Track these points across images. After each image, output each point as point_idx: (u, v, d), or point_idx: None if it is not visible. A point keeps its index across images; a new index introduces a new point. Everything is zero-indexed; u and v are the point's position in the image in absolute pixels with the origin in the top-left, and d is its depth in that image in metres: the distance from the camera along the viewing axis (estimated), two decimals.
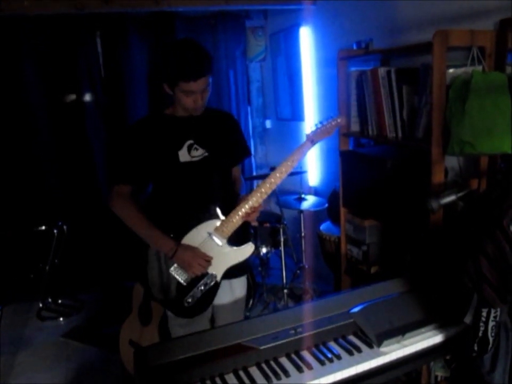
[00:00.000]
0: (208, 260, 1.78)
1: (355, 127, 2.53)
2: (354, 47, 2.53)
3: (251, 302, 3.18)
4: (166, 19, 3.90)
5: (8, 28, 3.58)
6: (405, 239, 2.23)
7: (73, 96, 4.01)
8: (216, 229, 1.79)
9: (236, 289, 1.98)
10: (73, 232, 3.77)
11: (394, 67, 2.22)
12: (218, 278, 1.82)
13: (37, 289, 3.69)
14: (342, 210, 2.67)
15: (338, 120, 1.81)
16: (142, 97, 3.95)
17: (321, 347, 1.44)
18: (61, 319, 3.55)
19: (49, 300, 3.75)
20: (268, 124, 4.65)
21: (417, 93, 2.07)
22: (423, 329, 1.47)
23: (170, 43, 1.78)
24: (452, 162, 2.10)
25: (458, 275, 1.37)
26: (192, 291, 1.80)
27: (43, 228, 3.59)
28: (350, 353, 1.40)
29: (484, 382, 1.40)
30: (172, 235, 1.79)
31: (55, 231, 3.60)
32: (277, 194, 3.30)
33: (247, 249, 1.83)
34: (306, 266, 3.45)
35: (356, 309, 1.54)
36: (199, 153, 1.83)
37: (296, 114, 3.99)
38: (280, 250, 3.26)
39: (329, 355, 1.39)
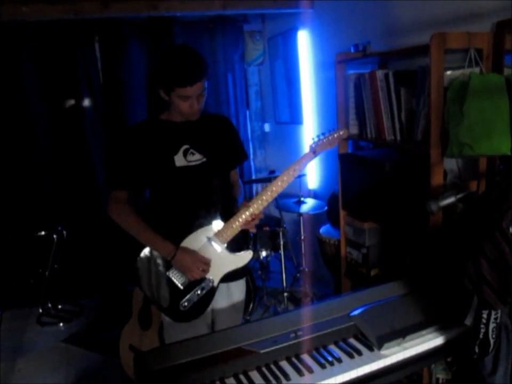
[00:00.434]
0: (207, 264, 1.77)
1: (354, 129, 2.53)
2: (352, 50, 2.54)
3: (251, 305, 3.17)
4: (164, 24, 3.91)
5: (7, 33, 3.60)
6: (404, 241, 2.23)
7: (72, 101, 4.02)
8: (216, 234, 1.79)
9: (234, 292, 1.97)
10: (73, 237, 3.77)
11: (392, 70, 2.22)
12: (216, 283, 1.82)
13: (36, 295, 3.68)
14: (342, 213, 2.67)
15: (341, 133, 1.82)
16: (141, 102, 3.94)
17: (322, 350, 1.44)
18: (61, 324, 3.54)
19: (49, 305, 3.74)
20: (267, 127, 4.66)
21: (415, 95, 2.07)
22: (423, 332, 1.47)
23: (164, 49, 1.78)
24: (451, 164, 2.11)
25: (458, 277, 1.37)
26: (188, 295, 1.80)
27: (43, 233, 3.58)
28: (351, 356, 1.40)
29: None
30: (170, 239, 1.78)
31: (54, 236, 3.60)
32: (276, 198, 3.27)
33: (245, 256, 1.83)
34: (306, 270, 3.45)
35: (356, 312, 1.54)
36: (195, 158, 1.82)
37: (295, 118, 4.00)
38: (280, 254, 3.26)
39: (330, 358, 1.39)
